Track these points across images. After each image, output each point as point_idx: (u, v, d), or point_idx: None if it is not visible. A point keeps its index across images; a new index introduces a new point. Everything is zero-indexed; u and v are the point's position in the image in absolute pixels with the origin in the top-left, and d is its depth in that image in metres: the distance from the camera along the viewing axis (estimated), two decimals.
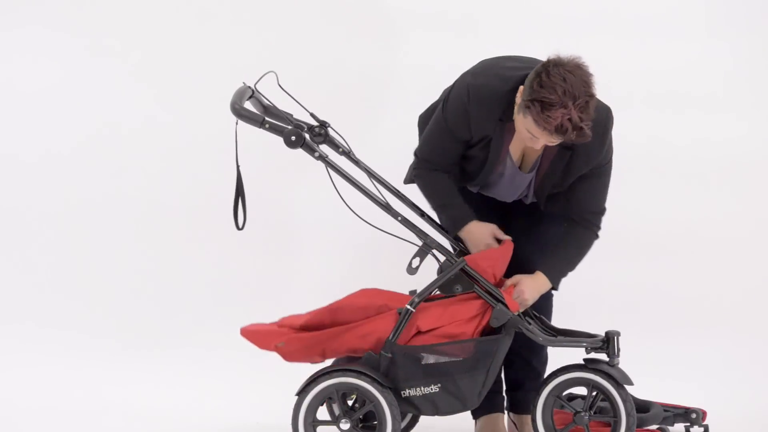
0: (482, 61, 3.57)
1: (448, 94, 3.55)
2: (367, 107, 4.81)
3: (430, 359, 3.46)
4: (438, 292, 3.54)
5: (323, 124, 3.72)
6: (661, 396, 3.83)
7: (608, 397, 3.48)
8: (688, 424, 3.73)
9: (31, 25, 4.84)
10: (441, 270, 3.52)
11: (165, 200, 4.81)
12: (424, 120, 3.70)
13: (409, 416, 3.82)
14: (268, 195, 4.68)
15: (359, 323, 3.50)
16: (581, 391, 3.56)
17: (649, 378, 3.77)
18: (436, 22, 4.80)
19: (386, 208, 3.53)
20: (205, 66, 4.81)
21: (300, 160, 3.68)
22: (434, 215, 3.77)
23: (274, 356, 3.61)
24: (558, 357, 3.68)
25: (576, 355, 3.53)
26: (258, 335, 3.59)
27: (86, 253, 4.81)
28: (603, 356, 3.51)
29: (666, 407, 3.74)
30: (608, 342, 3.50)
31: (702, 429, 3.73)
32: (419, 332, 3.48)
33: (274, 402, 3.96)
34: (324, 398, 3.53)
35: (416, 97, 3.93)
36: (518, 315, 3.49)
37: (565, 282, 3.62)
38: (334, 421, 3.55)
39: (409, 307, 3.46)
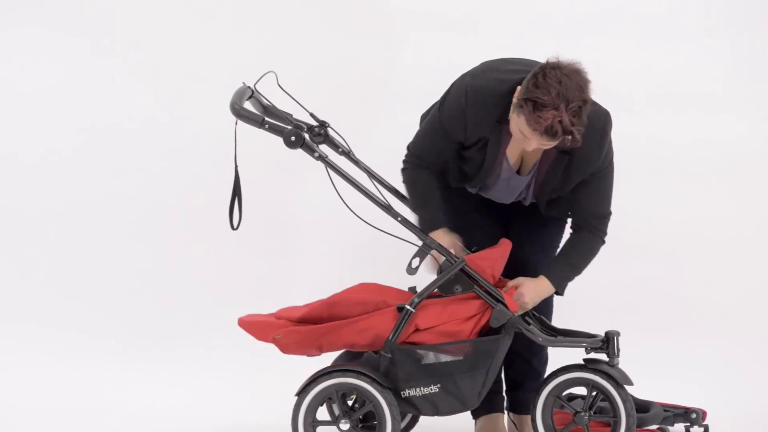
0: (483, 62, 3.56)
1: (446, 94, 3.55)
2: (367, 107, 4.81)
3: (429, 359, 3.46)
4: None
5: (323, 124, 3.73)
6: (661, 396, 3.84)
7: (608, 397, 3.48)
8: (688, 424, 3.73)
9: (31, 25, 4.84)
10: (440, 270, 3.51)
11: (165, 200, 4.81)
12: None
13: (409, 416, 3.82)
14: (268, 195, 4.69)
15: (357, 318, 3.50)
16: (581, 391, 3.56)
17: (649, 378, 3.77)
18: (436, 22, 4.80)
19: (386, 208, 3.53)
20: (205, 66, 4.81)
21: (300, 160, 3.68)
22: None
23: (274, 356, 3.61)
24: (558, 357, 3.68)
25: (576, 355, 3.52)
26: (255, 326, 3.59)
27: (86, 253, 4.81)
28: (603, 356, 3.51)
29: (666, 407, 3.75)
30: (608, 342, 3.50)
31: (702, 429, 3.73)
32: (417, 330, 3.48)
33: (274, 402, 3.97)
34: (324, 398, 3.53)
35: (416, 97, 3.93)
36: (518, 315, 3.50)
37: None
38: (334, 421, 3.55)
39: (408, 307, 3.46)
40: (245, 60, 4.69)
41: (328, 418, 3.59)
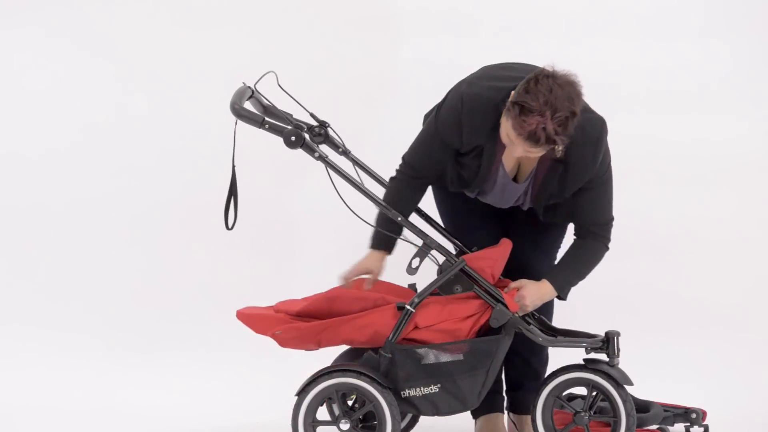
0: (481, 68, 3.55)
1: (442, 101, 3.54)
2: (367, 107, 4.80)
3: (430, 359, 3.46)
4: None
5: (323, 124, 3.73)
6: (661, 396, 3.84)
7: (608, 397, 3.48)
8: (688, 424, 3.73)
9: (31, 25, 4.84)
10: (441, 270, 3.51)
11: (165, 200, 4.80)
12: None
13: (409, 416, 3.82)
14: (267, 195, 4.69)
15: (357, 315, 3.50)
16: (581, 391, 3.56)
17: (649, 378, 3.78)
18: (436, 22, 4.80)
19: (387, 208, 3.53)
20: (205, 66, 4.80)
21: (300, 160, 3.68)
22: (435, 215, 3.78)
23: (274, 356, 3.62)
24: (558, 357, 3.68)
25: (576, 355, 3.52)
26: (254, 319, 3.58)
27: (86, 253, 4.80)
28: (603, 356, 3.51)
29: (666, 407, 3.75)
30: (608, 342, 3.50)
31: (702, 429, 3.73)
32: (416, 327, 3.48)
33: (273, 402, 3.97)
34: (324, 398, 3.53)
35: (416, 97, 3.93)
36: (518, 315, 3.50)
37: None
38: (334, 421, 3.55)
39: (409, 307, 3.46)
40: (245, 60, 4.69)
41: (328, 418, 3.59)
